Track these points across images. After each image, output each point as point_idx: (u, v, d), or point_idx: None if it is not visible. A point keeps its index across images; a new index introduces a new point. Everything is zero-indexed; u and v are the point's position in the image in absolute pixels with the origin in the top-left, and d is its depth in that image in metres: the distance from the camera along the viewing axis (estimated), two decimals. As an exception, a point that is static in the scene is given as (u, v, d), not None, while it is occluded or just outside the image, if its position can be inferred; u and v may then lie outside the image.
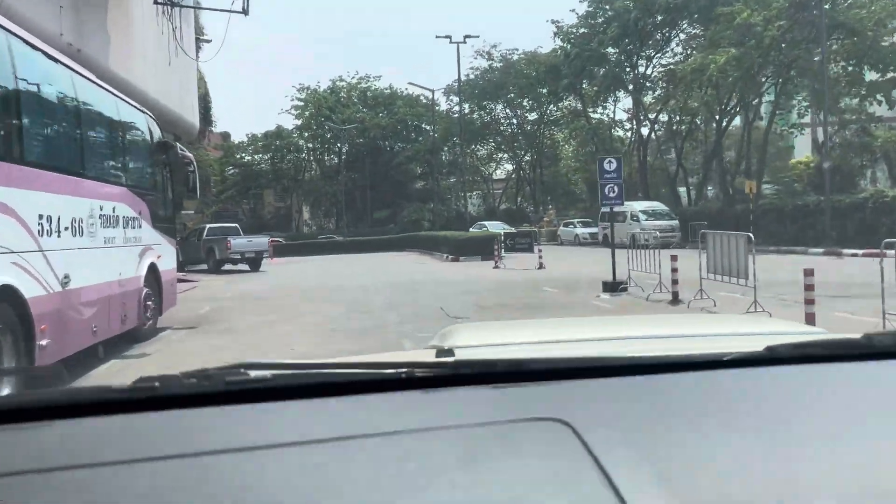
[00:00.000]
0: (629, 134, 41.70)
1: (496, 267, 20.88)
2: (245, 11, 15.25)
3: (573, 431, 0.85)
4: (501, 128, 50.42)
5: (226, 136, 51.00)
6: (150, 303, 9.12)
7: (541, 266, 19.56)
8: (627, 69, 37.14)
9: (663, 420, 0.94)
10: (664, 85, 35.70)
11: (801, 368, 1.14)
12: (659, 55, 36.69)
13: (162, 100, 14.54)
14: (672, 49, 36.22)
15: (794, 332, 1.69)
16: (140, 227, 8.87)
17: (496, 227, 36.04)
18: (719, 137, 33.44)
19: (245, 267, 24.63)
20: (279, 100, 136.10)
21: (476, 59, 47.15)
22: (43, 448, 0.83)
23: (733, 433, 0.90)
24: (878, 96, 26.12)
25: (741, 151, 32.30)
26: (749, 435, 0.90)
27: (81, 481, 0.76)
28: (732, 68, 26.11)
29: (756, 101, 31.47)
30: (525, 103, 47.87)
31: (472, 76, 45.73)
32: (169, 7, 15.34)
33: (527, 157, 49.81)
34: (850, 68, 26.43)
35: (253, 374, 0.98)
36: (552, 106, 46.09)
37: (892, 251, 7.95)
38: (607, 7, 35.01)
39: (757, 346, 1.16)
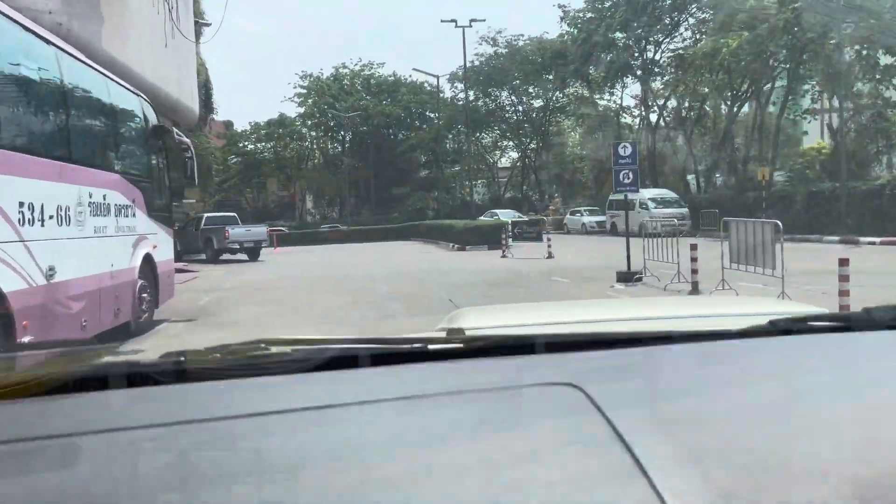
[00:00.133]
0: (636, 120, 41.12)
1: (504, 256, 20.39)
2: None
3: (585, 395, 0.87)
4: (507, 115, 49.65)
5: (228, 124, 50.49)
6: (145, 295, 8.69)
7: (550, 255, 19.11)
8: (636, 54, 36.47)
9: (672, 386, 0.97)
10: (673, 70, 35.05)
11: (803, 338, 1.20)
12: (668, 40, 35.98)
13: (159, 83, 14.08)
14: (681, 34, 35.53)
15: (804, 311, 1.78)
16: (134, 215, 8.44)
17: (507, 215, 35.55)
18: (730, 123, 32.80)
19: (244, 256, 24.20)
20: (282, 87, 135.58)
21: (481, 44, 46.35)
22: (78, 415, 0.85)
23: (739, 396, 0.93)
24: (895, 80, 25.50)
25: (752, 137, 31.71)
26: (751, 393, 0.94)
27: (116, 444, 0.78)
28: (745, 52, 25.51)
29: (768, 85, 30.85)
30: (531, 90, 47.17)
31: (476, 62, 45.11)
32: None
33: (532, 145, 49.16)
34: (864, 52, 25.83)
35: (274, 349, 1.05)
36: (558, 92, 45.39)
37: None
38: (615, -9, 34.38)
39: (763, 321, 1.22)
